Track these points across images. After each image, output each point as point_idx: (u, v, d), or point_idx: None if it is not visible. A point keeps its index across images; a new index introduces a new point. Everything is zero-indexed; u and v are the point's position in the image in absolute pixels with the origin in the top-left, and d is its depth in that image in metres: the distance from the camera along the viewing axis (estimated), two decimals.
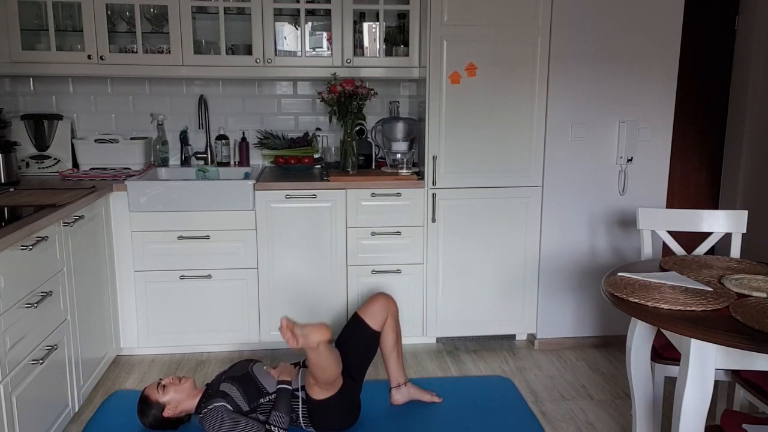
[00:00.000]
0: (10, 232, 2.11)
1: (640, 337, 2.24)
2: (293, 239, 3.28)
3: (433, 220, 3.33)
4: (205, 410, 2.30)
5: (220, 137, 3.70)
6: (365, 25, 3.54)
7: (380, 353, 2.70)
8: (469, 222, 3.35)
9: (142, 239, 3.19)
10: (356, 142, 3.47)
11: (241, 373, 2.44)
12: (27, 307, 2.23)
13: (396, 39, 3.57)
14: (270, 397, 2.38)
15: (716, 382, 2.52)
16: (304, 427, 2.43)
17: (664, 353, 2.35)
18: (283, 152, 3.53)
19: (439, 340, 3.57)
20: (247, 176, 3.41)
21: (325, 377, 2.30)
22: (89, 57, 3.29)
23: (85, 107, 3.65)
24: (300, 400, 2.39)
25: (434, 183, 3.30)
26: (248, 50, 3.46)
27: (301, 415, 2.39)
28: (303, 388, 2.42)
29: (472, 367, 3.28)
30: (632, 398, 2.31)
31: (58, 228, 2.52)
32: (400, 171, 3.37)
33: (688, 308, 1.87)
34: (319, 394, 2.35)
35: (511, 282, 3.44)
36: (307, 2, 3.41)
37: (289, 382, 2.42)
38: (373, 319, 2.57)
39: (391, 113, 3.73)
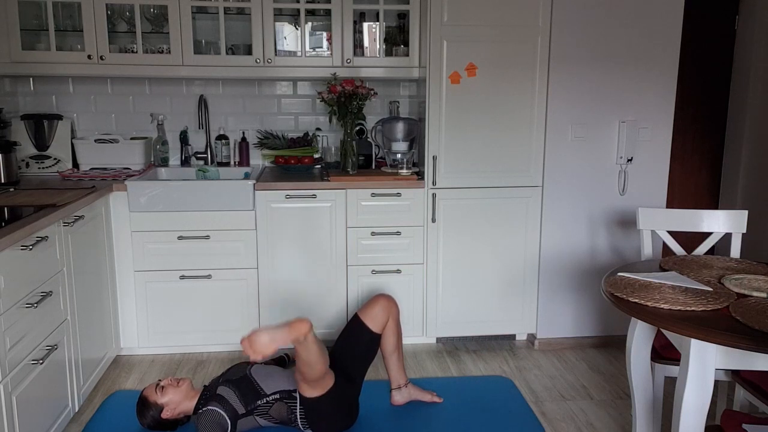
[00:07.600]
0: (10, 232, 2.11)
1: (640, 337, 2.24)
2: (293, 239, 3.28)
3: (433, 220, 3.33)
4: (200, 412, 2.35)
5: (220, 137, 3.70)
6: (365, 25, 3.54)
7: (381, 355, 2.70)
8: (469, 222, 3.35)
9: (142, 239, 3.19)
10: (356, 142, 3.47)
11: (238, 376, 2.45)
12: (27, 307, 2.23)
13: (396, 39, 3.56)
14: (267, 399, 2.39)
15: (716, 382, 2.52)
16: (302, 429, 2.43)
17: (664, 353, 2.35)
18: (283, 152, 3.52)
19: (439, 340, 3.57)
20: (247, 176, 3.41)
21: (312, 374, 2.28)
22: (89, 57, 3.29)
23: (85, 107, 3.65)
24: (297, 401, 2.40)
25: (434, 183, 3.30)
26: (248, 50, 3.46)
27: (299, 416, 2.40)
28: None
29: (472, 367, 3.28)
30: (632, 398, 2.31)
31: (58, 228, 2.52)
32: (400, 171, 3.36)
33: (688, 308, 1.87)
34: (308, 392, 2.35)
35: (511, 282, 3.44)
36: (307, 2, 3.41)
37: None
38: (373, 321, 2.56)
39: (391, 113, 3.73)
